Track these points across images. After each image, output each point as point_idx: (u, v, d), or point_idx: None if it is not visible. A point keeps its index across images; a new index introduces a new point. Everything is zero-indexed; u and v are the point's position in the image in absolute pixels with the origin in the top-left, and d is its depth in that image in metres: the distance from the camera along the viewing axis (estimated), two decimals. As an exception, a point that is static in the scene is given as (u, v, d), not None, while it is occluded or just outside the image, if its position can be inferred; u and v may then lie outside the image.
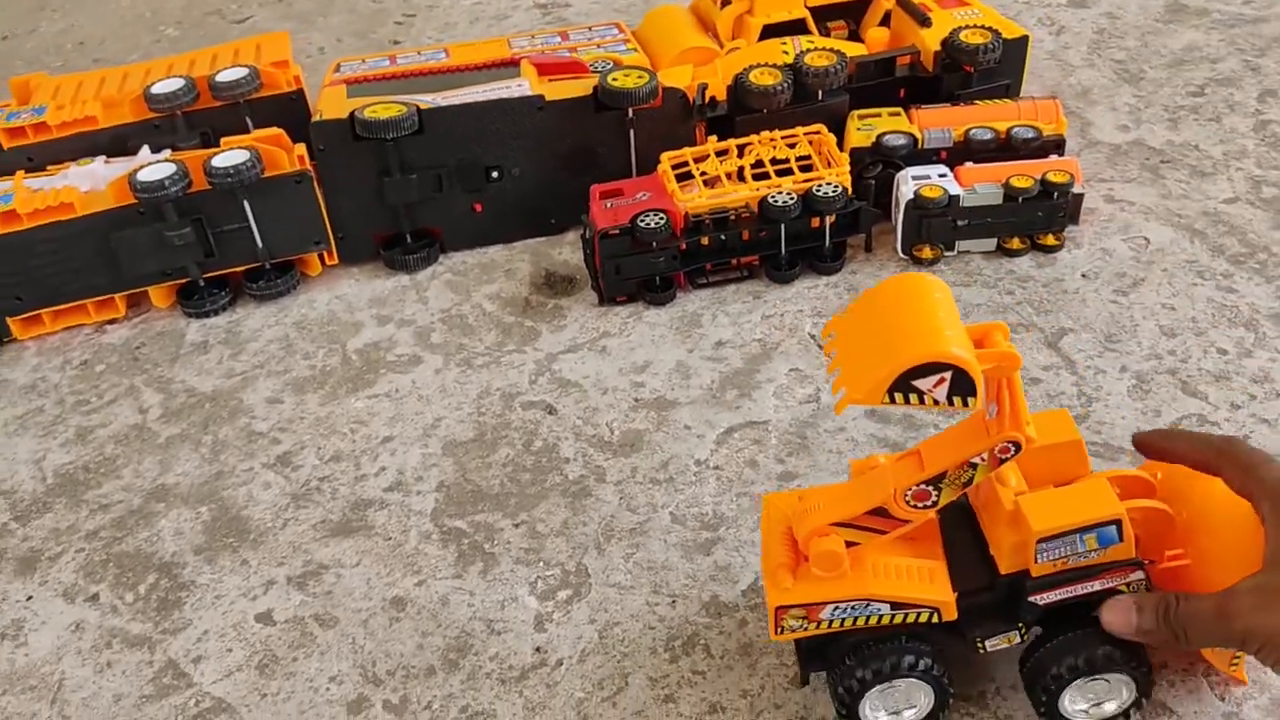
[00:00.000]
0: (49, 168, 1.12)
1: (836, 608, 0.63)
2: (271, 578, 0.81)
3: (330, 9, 1.77)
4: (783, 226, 1.03)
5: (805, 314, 1.02)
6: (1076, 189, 1.05)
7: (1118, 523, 0.61)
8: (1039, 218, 1.04)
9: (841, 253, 1.07)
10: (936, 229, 1.04)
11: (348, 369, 1.01)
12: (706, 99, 1.13)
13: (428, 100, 1.09)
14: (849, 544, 0.62)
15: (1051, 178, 1.03)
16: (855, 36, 1.27)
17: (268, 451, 0.93)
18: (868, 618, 0.63)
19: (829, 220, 1.04)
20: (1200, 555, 0.64)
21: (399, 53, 1.30)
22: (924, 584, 0.63)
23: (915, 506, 0.61)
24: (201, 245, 1.06)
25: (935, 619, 0.63)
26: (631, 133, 1.12)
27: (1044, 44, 1.43)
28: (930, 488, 0.60)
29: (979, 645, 0.65)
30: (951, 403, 0.55)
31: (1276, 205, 1.11)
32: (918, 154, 1.09)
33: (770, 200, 1.02)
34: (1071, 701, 0.64)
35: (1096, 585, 0.63)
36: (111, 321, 1.10)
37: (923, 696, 0.65)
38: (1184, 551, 0.64)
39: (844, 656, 0.64)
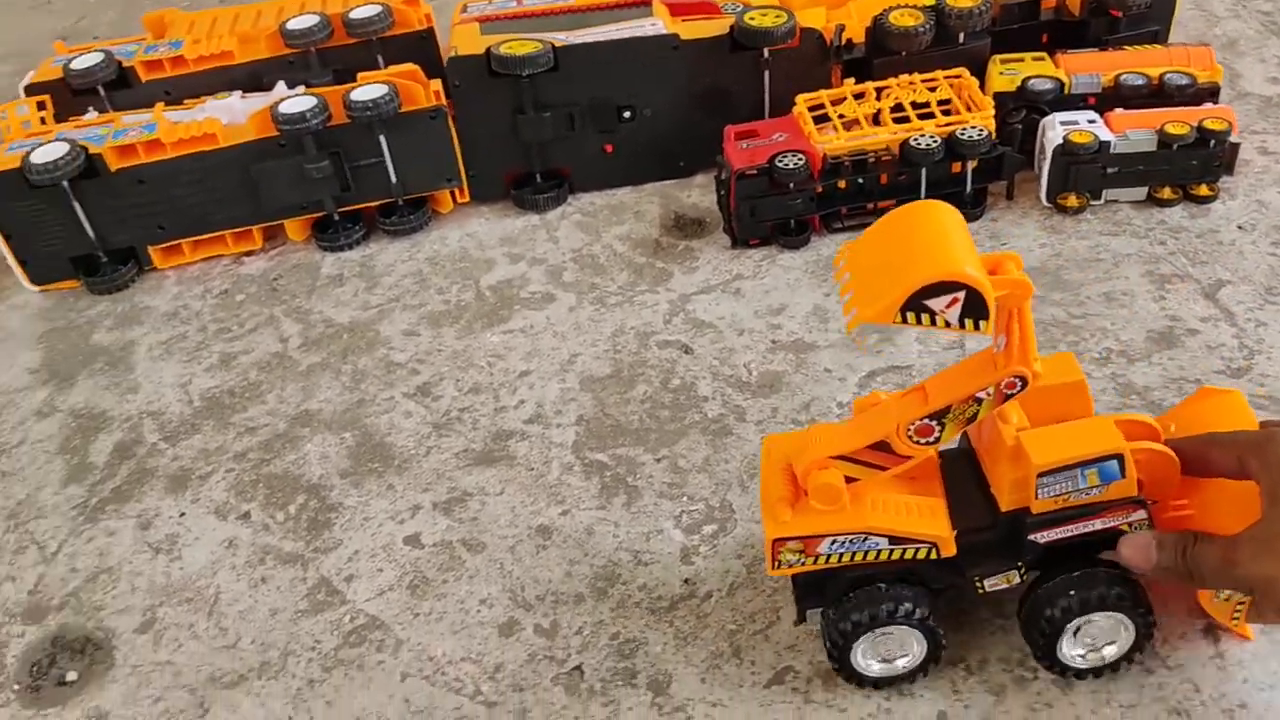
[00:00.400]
0: (185, 101, 1.13)
1: (834, 541, 0.62)
2: (417, 503, 0.82)
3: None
4: (924, 170, 1.01)
5: (944, 261, 0.99)
6: (1233, 138, 1.01)
7: (1120, 458, 0.59)
8: (1193, 166, 1.00)
9: (982, 199, 1.04)
10: (1084, 176, 1.01)
11: (482, 304, 1.01)
12: (844, 40, 1.10)
13: (561, 38, 1.09)
14: (849, 480, 0.61)
15: (1209, 125, 0.99)
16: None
17: (407, 382, 0.94)
18: (865, 553, 0.62)
19: (971, 165, 1.01)
20: (1203, 506, 0.62)
21: (524, -6, 1.29)
22: (923, 518, 0.62)
23: (918, 442, 0.60)
24: (338, 179, 1.07)
25: (934, 555, 0.62)
26: (766, 74, 1.10)
27: (1187, -7, 1.37)
28: (934, 423, 0.59)
29: (978, 585, 0.64)
30: (963, 325, 0.53)
31: None
32: (1064, 99, 1.05)
33: (913, 143, 0.99)
34: (1069, 645, 0.63)
35: (1098, 524, 0.61)
36: (249, 253, 1.12)
37: (915, 645, 0.64)
38: (1188, 502, 0.63)
39: (838, 600, 0.63)
